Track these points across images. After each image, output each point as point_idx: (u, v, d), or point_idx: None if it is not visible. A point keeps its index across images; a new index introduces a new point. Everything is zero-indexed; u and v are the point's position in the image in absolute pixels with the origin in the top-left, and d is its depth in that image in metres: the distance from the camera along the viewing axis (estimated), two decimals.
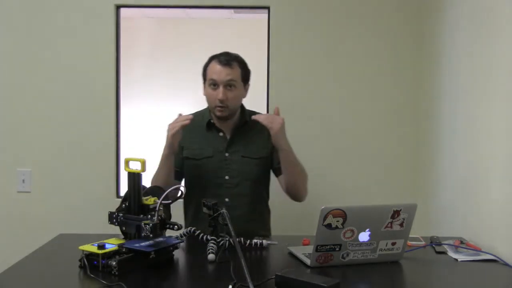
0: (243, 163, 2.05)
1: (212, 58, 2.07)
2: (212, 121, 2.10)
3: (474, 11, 2.07)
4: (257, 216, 2.09)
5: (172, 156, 1.99)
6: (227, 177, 2.05)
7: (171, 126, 1.95)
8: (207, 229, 1.97)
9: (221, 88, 1.99)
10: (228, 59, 2.03)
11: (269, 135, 2.02)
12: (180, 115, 1.99)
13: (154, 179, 2.02)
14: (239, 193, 2.04)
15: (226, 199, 2.03)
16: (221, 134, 2.10)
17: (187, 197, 2.09)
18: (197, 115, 2.14)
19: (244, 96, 2.11)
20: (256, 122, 2.05)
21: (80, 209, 2.74)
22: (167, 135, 1.95)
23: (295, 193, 2.07)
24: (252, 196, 2.07)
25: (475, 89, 2.02)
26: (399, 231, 1.58)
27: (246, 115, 2.12)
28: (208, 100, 2.06)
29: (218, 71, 2.01)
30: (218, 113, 2.03)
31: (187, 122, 1.93)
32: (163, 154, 2.00)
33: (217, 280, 1.52)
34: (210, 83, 2.03)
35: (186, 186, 2.07)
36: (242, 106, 2.15)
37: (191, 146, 2.09)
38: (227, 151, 2.07)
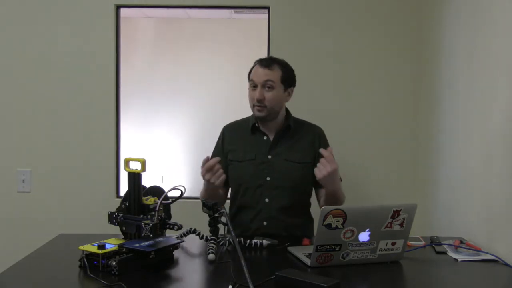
0: (285, 166, 2.07)
1: (256, 62, 2.13)
2: (256, 124, 2.13)
3: (473, 10, 2.07)
4: (295, 218, 2.09)
5: (213, 188, 1.99)
6: (268, 178, 2.07)
7: (207, 177, 1.89)
8: (245, 230, 2.06)
9: (258, 88, 2.04)
10: (269, 61, 2.08)
11: (313, 142, 2.11)
12: (207, 159, 1.91)
13: (202, 195, 2.06)
14: (279, 195, 2.05)
15: (266, 200, 2.06)
16: (265, 137, 2.13)
17: (231, 198, 2.17)
18: (244, 121, 2.21)
19: (285, 99, 2.13)
20: (300, 127, 2.14)
21: (80, 209, 2.74)
22: (205, 183, 1.94)
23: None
24: (292, 199, 2.07)
25: (475, 88, 2.02)
26: (399, 231, 1.58)
27: (291, 119, 2.14)
28: (249, 101, 2.11)
29: (258, 72, 2.06)
30: (256, 113, 2.07)
31: (217, 166, 1.89)
32: (205, 187, 2.01)
33: (217, 280, 1.52)
34: (250, 84, 2.09)
35: (231, 187, 2.15)
36: (287, 111, 2.17)
37: (235, 150, 2.14)
38: (270, 153, 2.09)
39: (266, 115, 2.06)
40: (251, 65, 2.17)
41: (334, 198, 2.01)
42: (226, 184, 2.18)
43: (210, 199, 1.73)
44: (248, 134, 2.15)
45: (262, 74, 2.05)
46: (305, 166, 2.08)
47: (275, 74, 2.06)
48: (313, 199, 2.18)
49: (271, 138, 2.12)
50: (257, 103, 2.04)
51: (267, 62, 2.07)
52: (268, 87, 2.04)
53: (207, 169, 1.88)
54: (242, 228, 2.07)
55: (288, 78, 2.11)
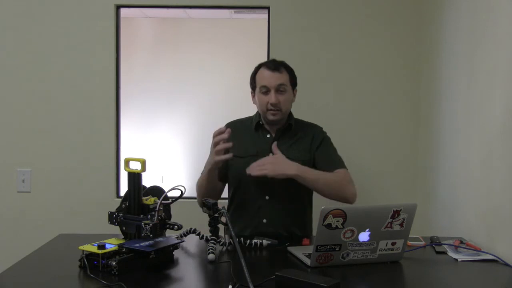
0: None
1: (260, 66, 2.12)
2: (261, 122, 2.14)
3: (473, 10, 2.07)
4: (294, 216, 2.09)
5: (216, 170, 2.01)
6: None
7: (216, 149, 1.89)
8: (244, 228, 2.05)
9: (272, 92, 2.04)
10: (276, 64, 2.09)
11: (312, 141, 2.11)
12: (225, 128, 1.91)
13: (199, 183, 2.09)
14: (279, 192, 2.05)
15: (266, 197, 2.06)
16: (268, 135, 2.14)
17: (231, 194, 2.16)
18: (247, 119, 2.22)
19: (292, 100, 2.14)
20: (301, 127, 2.15)
21: (80, 209, 2.74)
22: (212, 154, 1.93)
23: (336, 200, 2.04)
24: (292, 196, 2.07)
25: (475, 88, 2.02)
26: (399, 231, 1.58)
27: (292, 119, 2.16)
28: (260, 106, 2.09)
29: (269, 77, 2.05)
30: (271, 117, 2.06)
31: (225, 136, 1.88)
32: (207, 167, 2.02)
33: (217, 280, 1.52)
34: (261, 90, 2.07)
35: (230, 183, 2.15)
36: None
37: (237, 146, 2.11)
38: (272, 151, 2.09)
39: (280, 119, 2.08)
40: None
41: (312, 183, 1.97)
42: (223, 180, 2.17)
43: (208, 195, 1.71)
44: (252, 131, 2.15)
45: (274, 78, 2.05)
46: (305, 164, 2.08)
47: (285, 77, 2.07)
48: (314, 199, 2.17)
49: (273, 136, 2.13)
50: (272, 107, 2.04)
51: (275, 66, 2.08)
52: (281, 91, 2.05)
53: (220, 132, 1.88)
54: (241, 226, 2.07)
55: (294, 80, 2.13)
